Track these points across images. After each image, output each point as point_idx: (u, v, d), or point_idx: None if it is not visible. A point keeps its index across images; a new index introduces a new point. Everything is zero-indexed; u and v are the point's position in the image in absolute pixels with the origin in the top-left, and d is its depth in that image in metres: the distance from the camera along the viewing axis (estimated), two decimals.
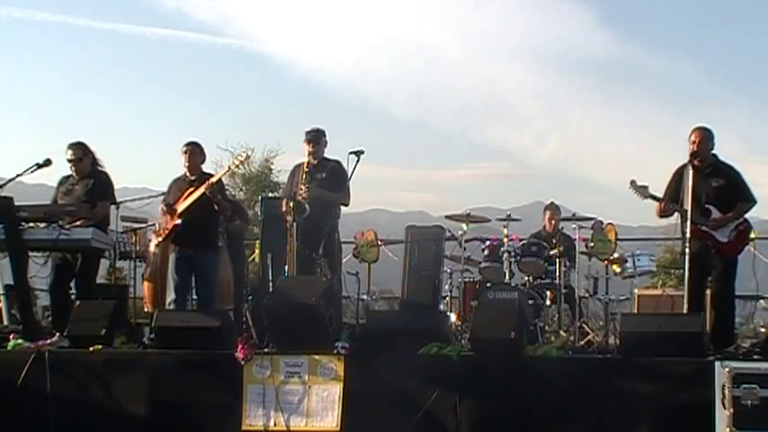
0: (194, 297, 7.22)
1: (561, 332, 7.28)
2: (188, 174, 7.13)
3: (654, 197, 6.59)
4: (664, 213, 6.57)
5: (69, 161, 7.06)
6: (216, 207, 6.96)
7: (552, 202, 8.94)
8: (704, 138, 6.49)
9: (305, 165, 7.30)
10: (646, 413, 5.26)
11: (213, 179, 6.85)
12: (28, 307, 6.80)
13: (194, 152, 7.11)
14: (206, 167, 7.25)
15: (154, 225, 8.13)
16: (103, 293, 7.35)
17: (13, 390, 5.98)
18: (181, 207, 6.92)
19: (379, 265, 8.38)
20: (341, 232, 7.55)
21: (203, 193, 6.81)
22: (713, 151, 6.58)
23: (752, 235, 6.82)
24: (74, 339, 6.29)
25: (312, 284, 6.29)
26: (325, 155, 7.41)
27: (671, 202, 6.52)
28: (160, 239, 7.19)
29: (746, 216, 6.57)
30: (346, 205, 7.37)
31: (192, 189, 6.95)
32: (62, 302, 6.99)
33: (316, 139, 7.33)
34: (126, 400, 5.97)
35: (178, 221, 6.92)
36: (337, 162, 7.26)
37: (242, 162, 7.50)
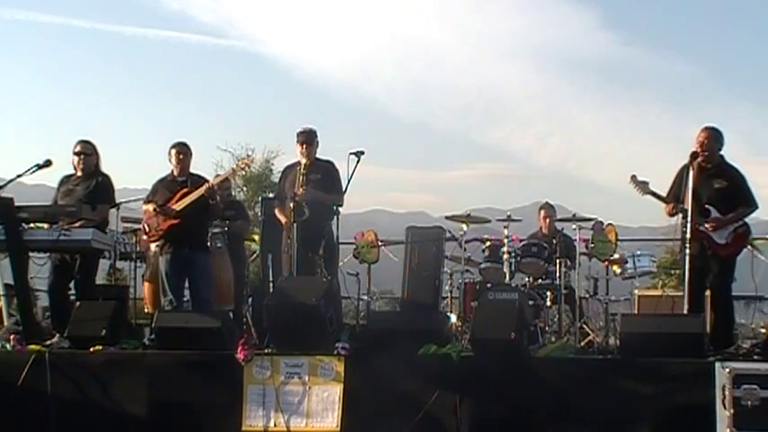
0: (188, 298, 7.21)
1: (563, 338, 7.26)
2: (176, 174, 7.14)
3: (654, 194, 6.55)
4: (673, 212, 6.50)
5: (78, 153, 7.02)
6: (210, 208, 6.99)
7: (546, 202, 8.92)
8: (711, 137, 6.44)
9: (301, 166, 7.17)
10: (646, 414, 5.26)
11: (216, 180, 6.83)
12: (28, 308, 6.79)
13: (185, 153, 7.14)
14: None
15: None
16: (104, 294, 7.34)
17: (14, 390, 5.98)
18: (179, 207, 6.92)
19: (379, 265, 8.37)
20: (341, 233, 7.53)
21: (202, 195, 6.81)
22: (721, 152, 6.51)
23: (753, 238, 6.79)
24: (74, 340, 6.29)
25: (312, 285, 6.28)
26: (318, 155, 7.28)
27: (674, 200, 6.47)
28: (151, 240, 7.18)
29: (746, 219, 6.52)
30: (340, 205, 7.32)
31: (185, 190, 6.95)
32: (61, 303, 6.97)
33: (309, 140, 7.19)
34: (126, 401, 5.97)
35: (175, 221, 6.92)
36: (330, 162, 7.21)
37: (247, 165, 7.53)
